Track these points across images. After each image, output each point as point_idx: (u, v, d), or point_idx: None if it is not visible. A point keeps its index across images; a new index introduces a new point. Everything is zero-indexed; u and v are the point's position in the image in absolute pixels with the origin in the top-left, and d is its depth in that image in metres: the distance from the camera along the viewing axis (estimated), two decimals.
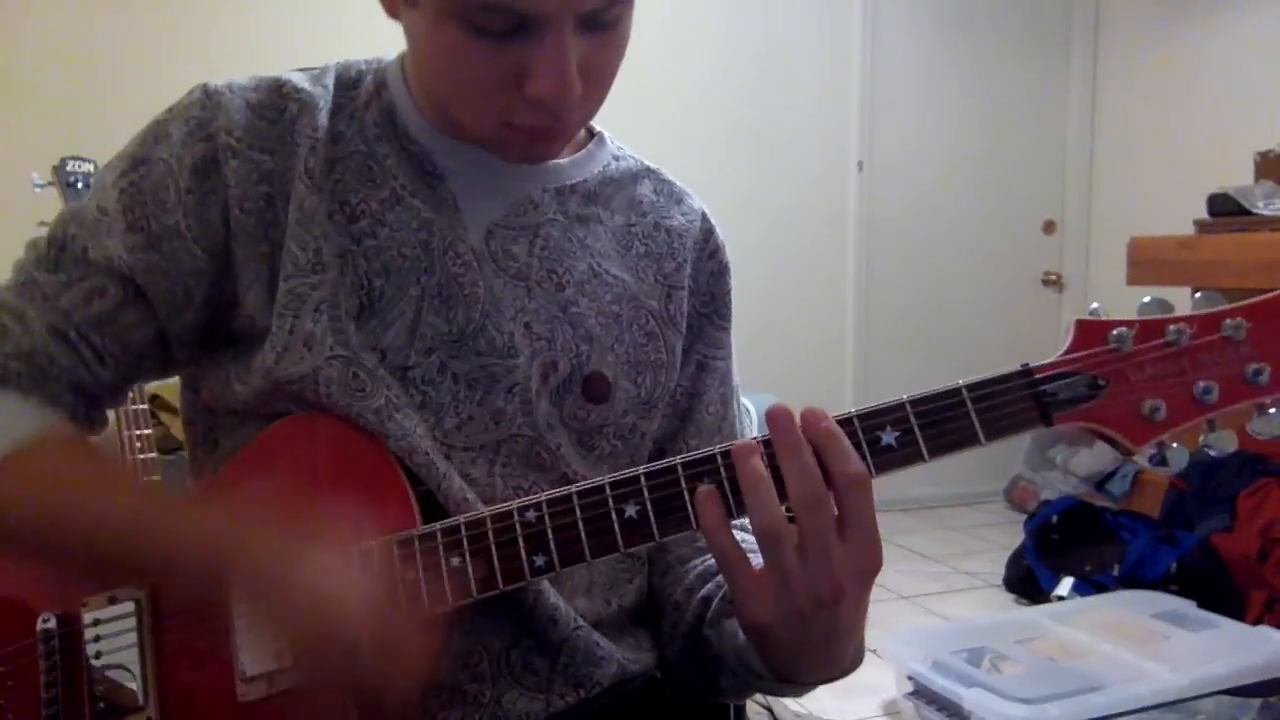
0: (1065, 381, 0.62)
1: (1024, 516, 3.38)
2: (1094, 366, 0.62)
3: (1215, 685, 1.92)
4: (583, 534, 0.62)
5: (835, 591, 0.59)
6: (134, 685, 0.66)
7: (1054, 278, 4.27)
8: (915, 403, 0.62)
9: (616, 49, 0.68)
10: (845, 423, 0.61)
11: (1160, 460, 0.63)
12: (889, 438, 0.61)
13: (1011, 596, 3.03)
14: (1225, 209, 2.92)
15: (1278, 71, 3.43)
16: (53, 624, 0.68)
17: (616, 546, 0.62)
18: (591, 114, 0.71)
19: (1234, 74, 3.58)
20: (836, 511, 0.59)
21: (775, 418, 0.60)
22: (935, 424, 0.62)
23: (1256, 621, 2.40)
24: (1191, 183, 3.26)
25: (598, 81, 0.68)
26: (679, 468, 0.62)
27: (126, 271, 0.71)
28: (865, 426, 0.61)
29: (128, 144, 0.74)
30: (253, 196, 0.71)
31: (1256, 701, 1.94)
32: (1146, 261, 2.94)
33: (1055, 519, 3.03)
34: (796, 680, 0.68)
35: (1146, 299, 0.64)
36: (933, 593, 3.06)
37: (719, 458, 0.62)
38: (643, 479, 0.63)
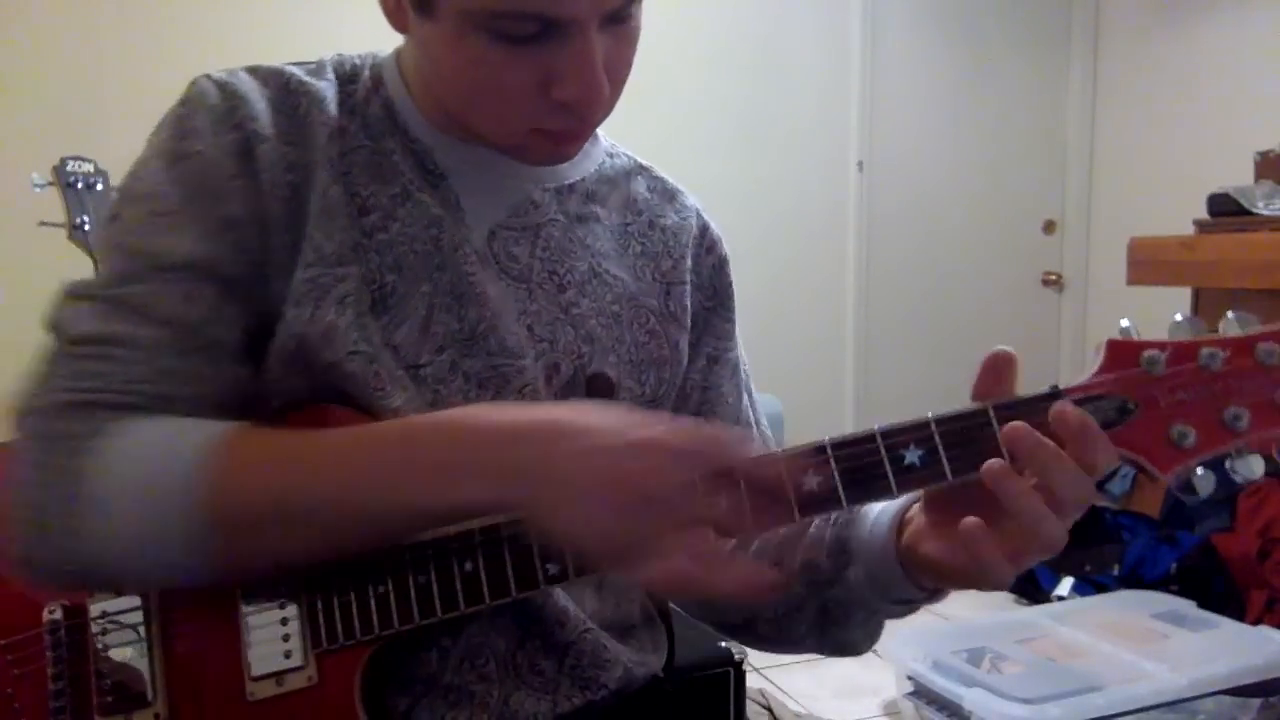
0: (1095, 404, 0.59)
1: None
2: (1125, 389, 0.60)
3: (1215, 685, 1.92)
4: None
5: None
6: (141, 679, 0.66)
7: (1054, 278, 4.27)
8: (940, 421, 0.59)
9: (632, 42, 0.68)
10: (868, 439, 0.59)
11: (1187, 487, 0.60)
12: (912, 456, 0.59)
13: (1011, 596, 3.02)
14: (1225, 209, 2.92)
15: (1278, 71, 3.43)
16: (59, 614, 0.68)
17: None
18: (610, 111, 0.71)
19: (1234, 74, 3.58)
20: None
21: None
22: (959, 444, 0.59)
23: (1256, 621, 2.40)
24: (1191, 183, 3.25)
25: (617, 77, 0.68)
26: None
27: (213, 265, 0.67)
28: (888, 444, 0.59)
29: (149, 147, 0.71)
30: (281, 184, 0.69)
31: (1256, 701, 1.94)
32: (1146, 261, 2.94)
33: None
34: (943, 594, 0.69)
35: (1178, 317, 0.61)
36: None
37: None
38: None
